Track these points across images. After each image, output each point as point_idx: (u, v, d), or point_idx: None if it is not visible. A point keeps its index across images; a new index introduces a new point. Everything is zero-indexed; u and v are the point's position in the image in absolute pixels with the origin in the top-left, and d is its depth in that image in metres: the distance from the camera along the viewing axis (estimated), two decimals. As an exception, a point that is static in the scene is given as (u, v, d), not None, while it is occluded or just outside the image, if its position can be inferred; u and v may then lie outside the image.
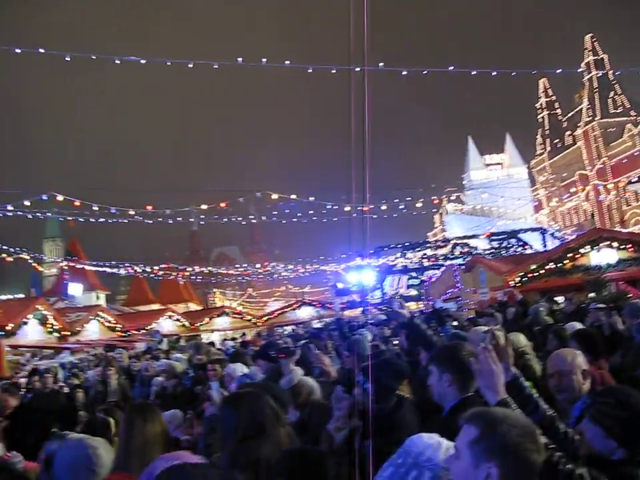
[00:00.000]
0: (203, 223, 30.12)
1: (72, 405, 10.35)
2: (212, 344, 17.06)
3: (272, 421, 3.38)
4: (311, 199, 29.96)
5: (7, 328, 15.82)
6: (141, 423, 3.55)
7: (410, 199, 33.01)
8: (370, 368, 3.98)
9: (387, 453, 2.45)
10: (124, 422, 3.69)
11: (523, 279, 21.88)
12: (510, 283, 21.38)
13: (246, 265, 50.18)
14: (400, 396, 4.09)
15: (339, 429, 3.86)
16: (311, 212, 31.56)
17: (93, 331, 24.79)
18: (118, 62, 19.19)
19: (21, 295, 48.42)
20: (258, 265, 48.96)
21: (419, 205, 33.51)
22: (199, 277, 49.60)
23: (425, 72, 23.70)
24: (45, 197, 19.59)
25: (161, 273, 42.28)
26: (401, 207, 33.13)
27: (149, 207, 25.13)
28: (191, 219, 30.32)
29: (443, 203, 64.38)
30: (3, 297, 30.53)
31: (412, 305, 29.05)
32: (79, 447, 3.34)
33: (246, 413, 3.37)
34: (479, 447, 2.13)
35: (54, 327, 19.91)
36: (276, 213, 31.82)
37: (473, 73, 24.05)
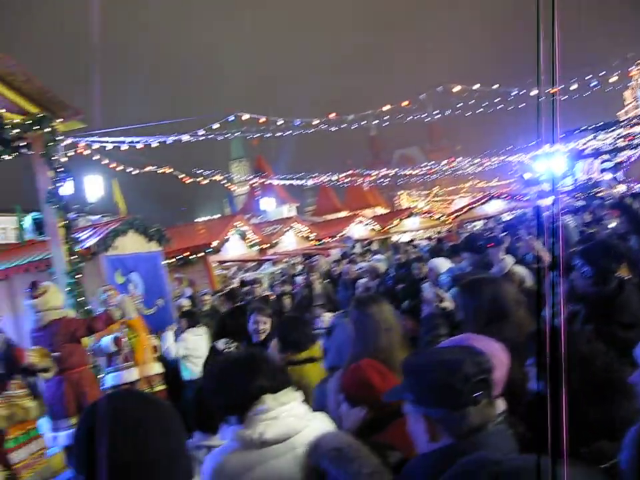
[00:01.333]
0: (386, 123, 29.35)
1: (281, 311, 10.73)
2: (411, 243, 16.99)
3: (513, 304, 3.36)
4: (495, 86, 28.12)
5: (213, 245, 16.71)
6: (376, 308, 3.64)
7: (604, 72, 29.79)
8: (585, 251, 3.87)
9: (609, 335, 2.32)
10: (357, 313, 3.69)
11: None
12: None
13: (433, 162, 49.03)
14: (620, 278, 3.82)
15: (555, 315, 3.49)
16: (496, 100, 29.63)
17: (289, 241, 25.68)
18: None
19: (218, 215, 51.68)
20: (444, 162, 47.75)
21: (613, 79, 30.18)
22: (385, 180, 49.51)
23: None
24: (231, 118, 20.14)
25: (346, 180, 42.70)
26: (593, 84, 30.07)
27: (332, 115, 25.04)
28: (373, 122, 29.74)
29: (635, 77, 57.99)
30: (201, 219, 32.69)
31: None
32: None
33: (487, 297, 3.34)
34: None
35: (253, 241, 20.79)
36: (460, 105, 30.27)
37: None
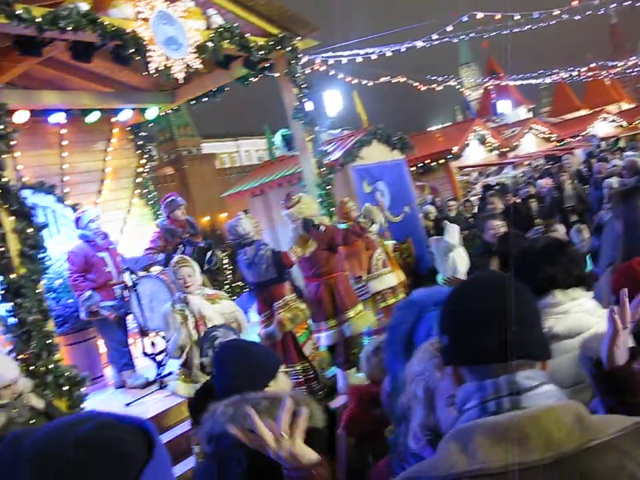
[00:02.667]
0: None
1: (528, 214, 10.32)
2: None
3: None
4: None
5: (453, 151, 16.44)
6: None
7: None
8: None
9: None
10: (623, 207, 3.34)
11: None
12: None
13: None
14: None
15: None
16: None
17: (529, 144, 24.53)
18: None
19: (448, 123, 50.57)
20: None
21: None
22: (632, 71, 44.54)
23: None
24: (465, 19, 19.26)
25: (589, 74, 39.13)
26: None
27: (574, 2, 22.82)
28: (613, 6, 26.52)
29: None
30: (435, 127, 32.15)
31: None
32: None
33: None
34: None
35: (493, 145, 20.09)
36: None
37: None
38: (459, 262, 7.18)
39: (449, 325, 1.42)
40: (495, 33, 21.73)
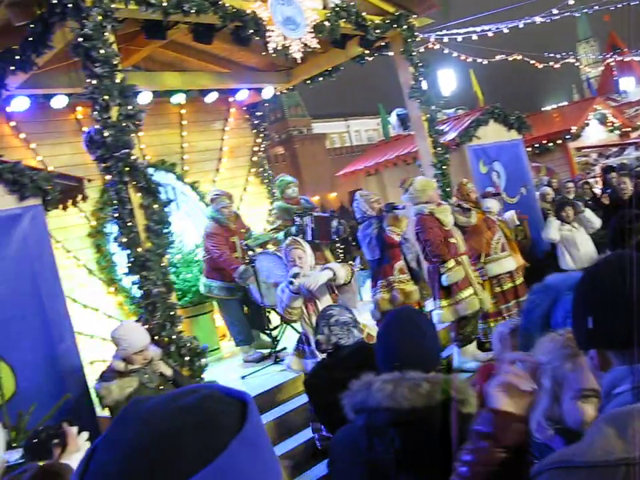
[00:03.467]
0: None
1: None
2: None
3: None
4: None
5: (572, 131, 15.71)
6: None
7: None
8: None
9: None
10: None
11: None
12: None
13: None
14: None
15: None
16: None
17: (655, 123, 23.09)
18: None
19: (564, 102, 48.40)
20: None
21: None
22: None
23: None
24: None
25: None
26: None
27: None
28: None
29: None
30: (549, 107, 30.82)
31: None
32: None
33: None
34: None
35: (614, 125, 19.02)
36: None
37: None
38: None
39: (594, 307, 1.36)
40: (619, 5, 20.54)
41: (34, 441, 2.50)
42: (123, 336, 4.36)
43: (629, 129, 19.75)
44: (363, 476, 2.06)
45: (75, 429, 2.56)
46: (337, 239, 7.68)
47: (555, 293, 2.02)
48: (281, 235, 7.71)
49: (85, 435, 2.59)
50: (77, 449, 2.48)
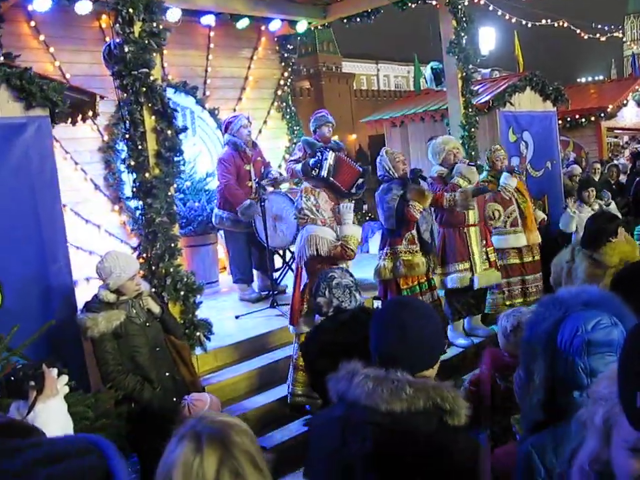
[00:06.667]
0: None
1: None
2: None
3: None
4: None
5: (608, 109, 15.18)
6: None
7: None
8: None
9: None
10: None
11: None
12: None
13: None
14: None
15: None
16: None
17: None
18: None
19: (600, 77, 47.11)
20: None
21: None
22: None
23: None
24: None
25: None
26: None
27: None
28: None
29: None
30: (585, 80, 29.94)
31: None
32: None
33: None
34: None
35: (653, 109, 18.39)
36: None
37: None
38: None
39: None
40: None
41: (11, 378, 2.35)
42: (113, 263, 4.17)
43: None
44: (335, 472, 1.94)
45: (54, 372, 2.41)
46: (354, 196, 7.38)
47: (566, 308, 1.85)
48: (298, 166, 7.44)
49: (64, 379, 2.44)
50: (54, 394, 2.34)
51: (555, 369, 1.77)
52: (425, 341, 2.03)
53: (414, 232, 6.09)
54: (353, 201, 6.37)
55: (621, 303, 1.83)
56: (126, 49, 5.10)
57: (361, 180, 7.31)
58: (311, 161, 7.20)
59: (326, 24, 10.07)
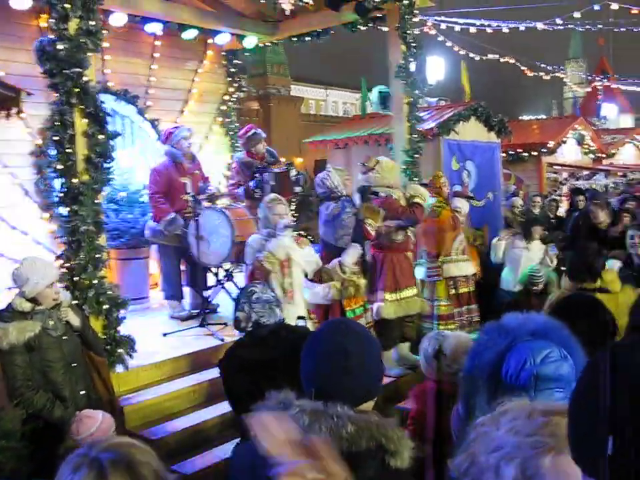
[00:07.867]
0: None
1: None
2: None
3: None
4: None
5: (549, 145, 15.52)
6: None
7: None
8: None
9: None
10: None
11: None
12: None
13: None
14: None
15: None
16: None
17: (627, 154, 23.15)
18: None
19: (542, 115, 48.62)
20: None
21: None
22: None
23: None
24: (596, 7, 17.61)
25: None
26: None
27: None
28: None
29: None
30: (527, 117, 30.80)
31: None
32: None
33: None
34: None
35: (590, 148, 18.95)
36: None
37: None
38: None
39: (621, 420, 0.82)
40: (618, 29, 20.27)
41: None
42: (30, 270, 3.90)
43: (604, 155, 19.75)
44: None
45: None
46: (298, 191, 7.30)
47: (512, 338, 1.67)
48: (240, 189, 7.27)
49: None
50: None
51: (498, 404, 1.57)
52: (368, 370, 1.80)
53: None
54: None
55: (569, 334, 1.66)
56: (59, 47, 4.84)
57: (293, 173, 7.41)
58: (251, 184, 7.14)
59: (275, 41, 9.95)
